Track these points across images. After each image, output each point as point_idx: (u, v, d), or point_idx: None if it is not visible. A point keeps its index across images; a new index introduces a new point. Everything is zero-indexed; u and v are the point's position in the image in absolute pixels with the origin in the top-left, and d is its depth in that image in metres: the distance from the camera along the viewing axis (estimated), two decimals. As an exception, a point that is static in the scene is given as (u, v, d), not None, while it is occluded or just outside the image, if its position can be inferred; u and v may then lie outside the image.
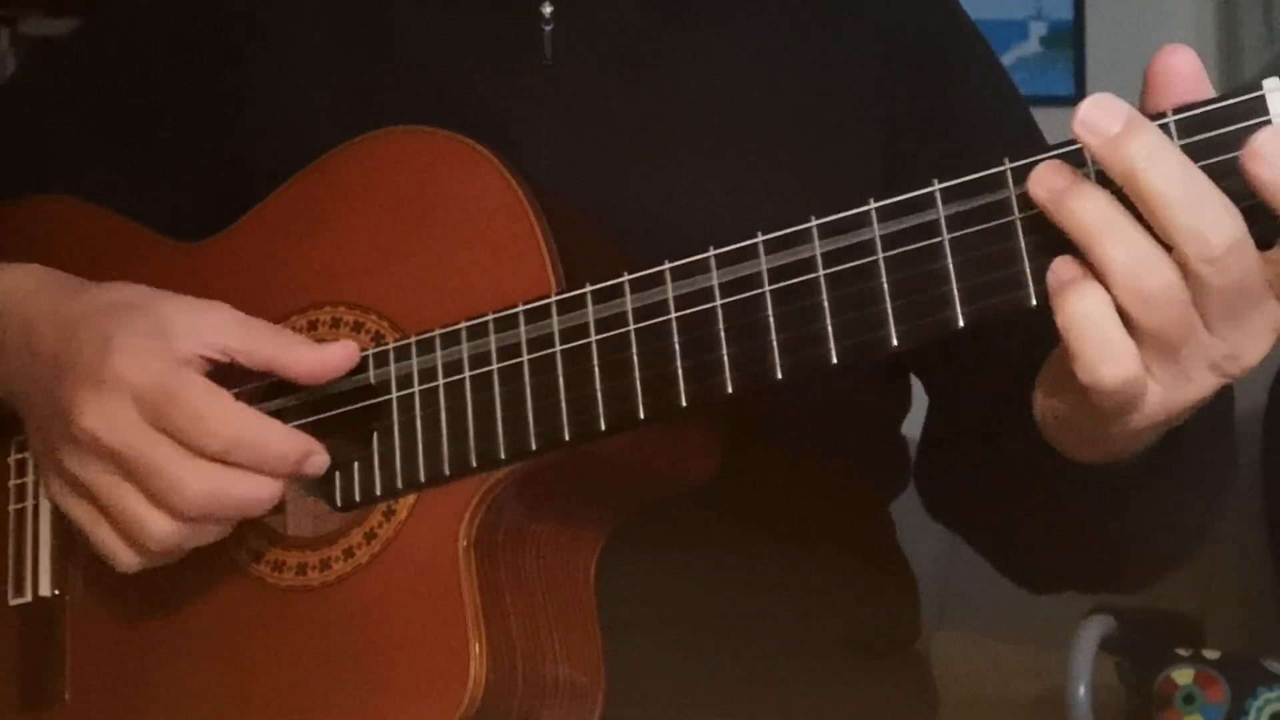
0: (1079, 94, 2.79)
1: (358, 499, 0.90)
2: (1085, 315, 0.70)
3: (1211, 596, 2.26)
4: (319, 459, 0.88)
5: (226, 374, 0.90)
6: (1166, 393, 0.73)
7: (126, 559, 0.90)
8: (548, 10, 1.03)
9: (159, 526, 0.87)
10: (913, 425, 1.11)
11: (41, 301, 0.94)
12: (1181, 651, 1.89)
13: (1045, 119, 1.12)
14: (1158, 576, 1.01)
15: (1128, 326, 0.70)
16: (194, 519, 0.87)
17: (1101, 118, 0.69)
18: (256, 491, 0.87)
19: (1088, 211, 0.70)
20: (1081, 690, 1.85)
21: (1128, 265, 0.69)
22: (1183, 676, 1.86)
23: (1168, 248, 0.69)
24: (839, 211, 0.79)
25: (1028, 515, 0.95)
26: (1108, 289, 0.70)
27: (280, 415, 0.92)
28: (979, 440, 1.02)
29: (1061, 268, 0.71)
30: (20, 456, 1.02)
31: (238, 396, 0.90)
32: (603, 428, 0.83)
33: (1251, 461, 2.22)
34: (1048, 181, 0.71)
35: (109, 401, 0.87)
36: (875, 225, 0.77)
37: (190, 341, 0.88)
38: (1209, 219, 0.68)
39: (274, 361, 0.89)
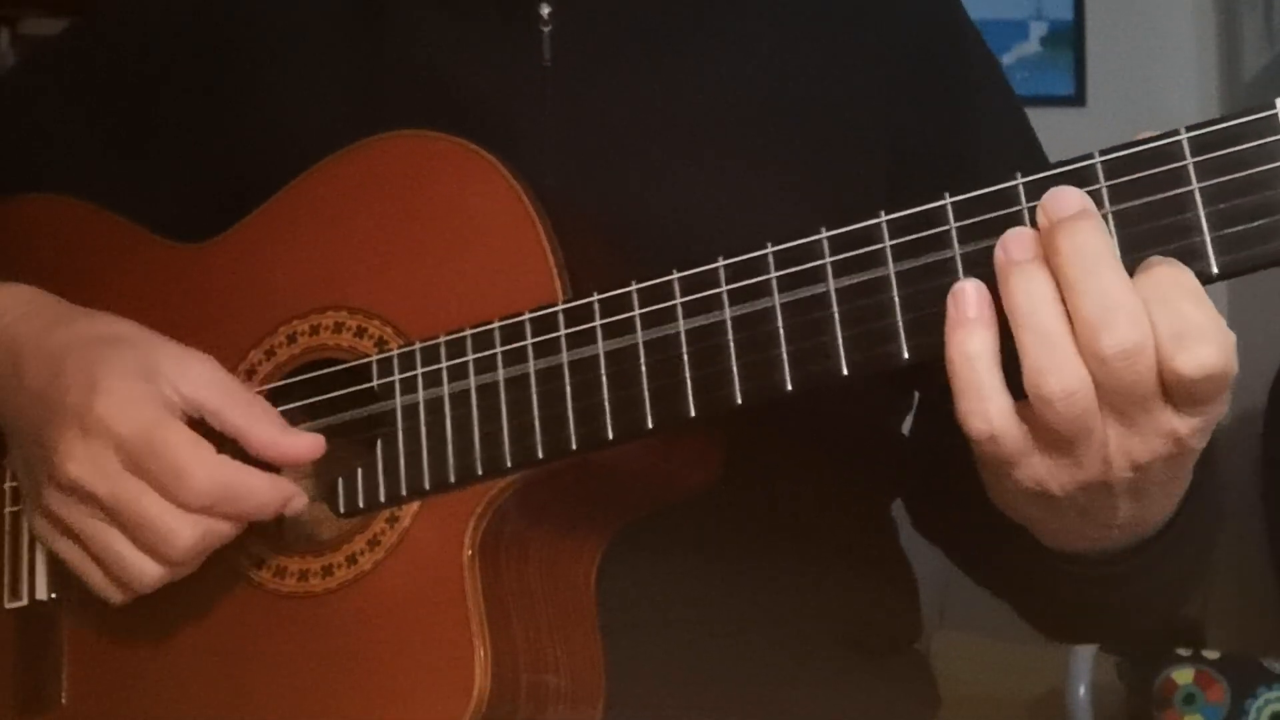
0: (1079, 94, 2.78)
1: (361, 505, 0.90)
2: (966, 358, 0.72)
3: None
4: (298, 502, 0.89)
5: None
6: (1060, 471, 0.74)
7: (115, 597, 0.91)
8: (545, 11, 1.02)
9: (147, 571, 0.88)
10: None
11: (28, 329, 0.93)
12: (1181, 651, 1.89)
13: (1045, 119, 1.12)
14: (1142, 635, 1.03)
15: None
16: (183, 564, 0.88)
17: (1057, 206, 0.71)
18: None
19: (1021, 295, 0.71)
20: (1081, 690, 1.86)
21: (1034, 362, 0.70)
22: (1183, 676, 1.86)
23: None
24: (845, 213, 0.78)
25: (1001, 566, 0.98)
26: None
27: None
28: (956, 467, 1.02)
29: (965, 301, 0.73)
30: (15, 460, 1.01)
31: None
32: (610, 437, 0.82)
33: (1252, 461, 2.22)
34: (1013, 248, 0.72)
35: (93, 448, 0.87)
36: (887, 238, 0.76)
37: (170, 388, 0.88)
38: (1108, 318, 0.69)
39: (239, 432, 0.89)
